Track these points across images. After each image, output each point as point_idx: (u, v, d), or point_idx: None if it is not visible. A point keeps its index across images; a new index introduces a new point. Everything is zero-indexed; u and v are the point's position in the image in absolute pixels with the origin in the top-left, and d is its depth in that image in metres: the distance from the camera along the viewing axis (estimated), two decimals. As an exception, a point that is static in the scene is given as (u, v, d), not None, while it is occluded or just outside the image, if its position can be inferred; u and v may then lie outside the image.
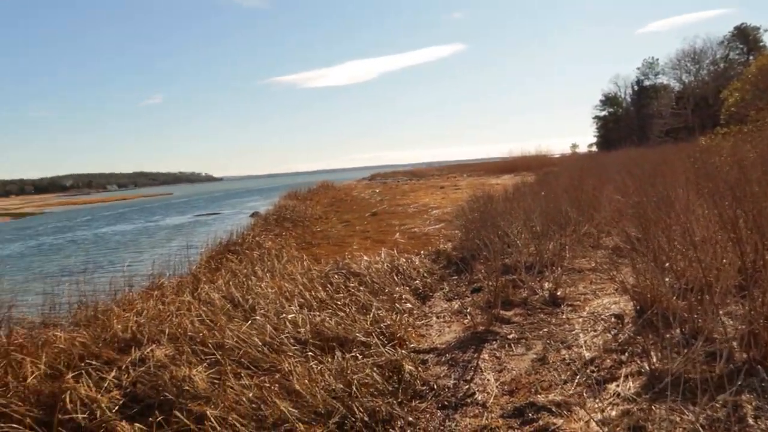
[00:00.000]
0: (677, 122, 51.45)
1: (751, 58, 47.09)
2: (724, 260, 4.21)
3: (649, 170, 8.66)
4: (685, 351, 3.73)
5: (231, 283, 8.05)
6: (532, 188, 13.29)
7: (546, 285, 6.70)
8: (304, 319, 5.97)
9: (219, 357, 4.97)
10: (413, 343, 5.67)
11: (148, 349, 5.07)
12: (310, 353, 5.08)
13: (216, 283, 8.28)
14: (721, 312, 4.03)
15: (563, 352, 4.74)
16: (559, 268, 6.84)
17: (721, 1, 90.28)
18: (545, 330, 5.38)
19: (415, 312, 6.78)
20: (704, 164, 7.03)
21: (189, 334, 5.55)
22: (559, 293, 6.40)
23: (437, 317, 6.58)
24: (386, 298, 7.07)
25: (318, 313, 6.29)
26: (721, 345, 3.86)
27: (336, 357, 4.97)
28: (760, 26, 51.75)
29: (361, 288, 7.57)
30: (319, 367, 4.70)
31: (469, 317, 6.10)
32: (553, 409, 3.72)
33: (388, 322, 5.93)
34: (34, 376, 4.49)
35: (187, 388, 4.26)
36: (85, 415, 3.95)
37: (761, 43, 50.52)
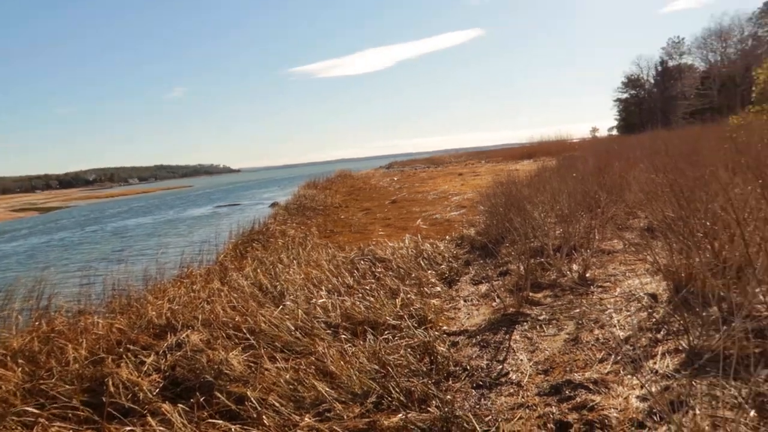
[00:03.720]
0: (702, 103, 50.37)
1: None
2: (763, 236, 4.13)
3: (683, 149, 8.51)
4: (725, 328, 3.68)
5: (258, 270, 8.16)
6: (556, 172, 13.16)
7: (575, 267, 6.65)
8: (334, 304, 6.03)
9: (253, 341, 5.04)
10: (443, 325, 5.69)
11: (184, 335, 5.16)
12: (342, 336, 5.13)
13: (243, 270, 8.40)
14: (760, 289, 3.96)
15: (596, 331, 4.71)
16: (588, 250, 6.77)
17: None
18: (577, 311, 5.34)
19: (443, 295, 6.79)
20: (741, 141, 6.87)
21: (222, 319, 5.64)
22: (588, 275, 6.35)
23: (465, 300, 6.57)
24: (413, 283, 7.09)
25: (347, 298, 6.34)
26: (761, 321, 3.81)
27: (368, 340, 5.01)
28: (791, 1, 50.28)
29: (388, 273, 7.61)
30: (352, 350, 4.75)
31: (498, 299, 6.08)
32: (591, 387, 3.70)
33: (418, 306, 5.95)
34: (76, 360, 4.60)
35: (225, 371, 4.34)
36: (128, 398, 4.05)
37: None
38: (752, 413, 2.88)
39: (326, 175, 38.34)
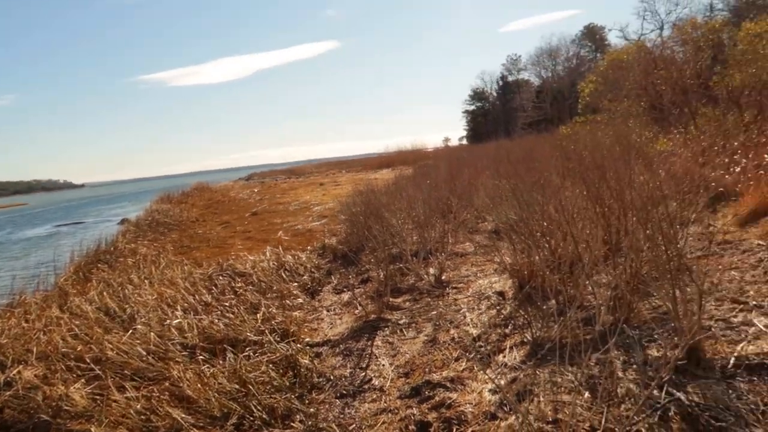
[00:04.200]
0: (538, 115, 55.48)
1: (598, 54, 51.68)
2: (589, 233, 4.61)
3: (521, 156, 9.29)
4: (561, 319, 4.03)
5: (105, 293, 7.50)
6: (412, 180, 13.67)
7: (431, 270, 6.93)
8: (190, 324, 5.71)
9: (99, 371, 4.61)
10: (306, 337, 5.62)
11: (14, 371, 4.59)
12: (200, 357, 4.87)
13: (87, 294, 7.67)
14: (590, 281, 4.40)
15: (452, 331, 4.94)
16: (443, 254, 7.10)
17: (572, 3, 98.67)
18: (434, 313, 5.57)
19: (305, 307, 6.73)
20: (568, 149, 7.65)
21: (62, 350, 5.10)
22: (444, 277, 6.66)
23: (328, 310, 6.57)
24: (275, 296, 6.95)
25: (204, 317, 6.04)
26: (590, 311, 4.23)
27: (228, 358, 4.81)
28: (605, 26, 57.38)
29: (249, 287, 7.39)
30: (211, 371, 4.52)
31: (360, 307, 6.15)
32: (448, 385, 3.86)
33: (280, 319, 5.83)
34: None
35: (65, 407, 3.91)
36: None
37: (606, 42, 55.70)
38: (586, 395, 3.18)
39: (182, 189, 36.33)
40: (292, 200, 23.19)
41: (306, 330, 5.87)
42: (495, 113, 67.61)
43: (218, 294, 7.27)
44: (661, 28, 42.46)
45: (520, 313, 4.79)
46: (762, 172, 6.60)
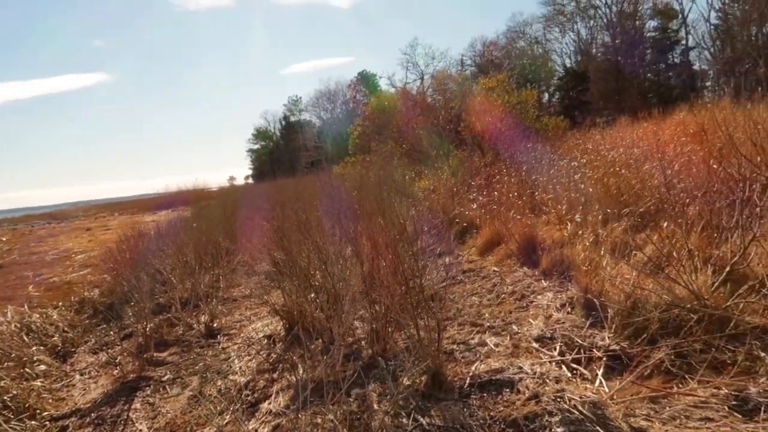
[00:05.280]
0: (319, 154, 57.54)
1: (372, 99, 55.68)
2: (349, 272, 4.82)
3: (292, 196, 9.45)
4: (324, 358, 4.11)
5: None
6: (188, 222, 13.03)
7: (202, 318, 6.61)
8: None
9: None
10: (51, 409, 4.90)
11: None
12: None
13: None
14: (347, 318, 4.58)
15: (219, 382, 4.72)
16: (215, 300, 6.83)
17: (346, 51, 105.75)
18: (201, 364, 5.28)
19: (53, 373, 5.89)
20: (332, 188, 8.00)
21: None
22: (216, 324, 6.39)
23: (82, 374, 5.83)
24: (13, 364, 5.95)
25: None
26: (353, 346, 4.40)
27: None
28: (376, 73, 62.21)
29: (-22, 359, 6.23)
30: None
31: (118, 367, 5.57)
32: (209, 444, 3.66)
33: (14, 392, 4.99)
34: None
35: None
36: None
37: (378, 87, 60.33)
38: (343, 432, 3.26)
39: None
40: (50, 248, 20.46)
41: (51, 401, 5.11)
42: (279, 152, 68.39)
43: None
44: (422, 78, 47.56)
45: (288, 356, 4.77)
46: (495, 206, 7.66)
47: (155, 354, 5.77)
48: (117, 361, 5.73)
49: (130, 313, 7.50)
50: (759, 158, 3.78)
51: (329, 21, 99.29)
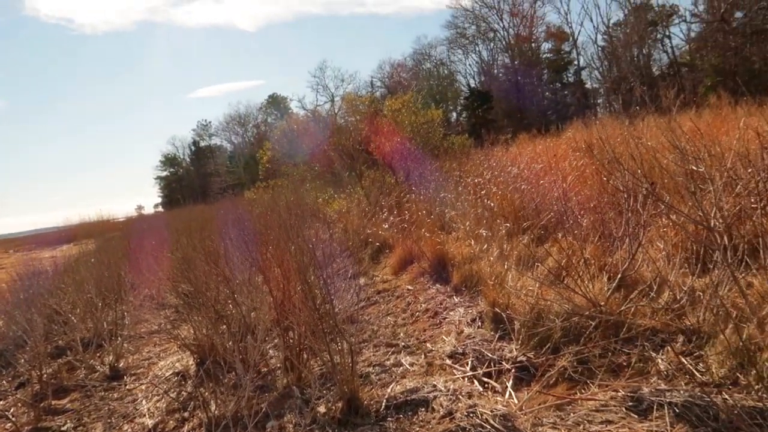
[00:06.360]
0: (232, 179, 56.25)
1: (283, 121, 55.43)
2: (259, 300, 4.72)
3: (199, 225, 9.15)
4: (236, 392, 3.98)
5: None
6: (91, 257, 12.29)
7: (107, 359, 6.21)
8: None
9: None
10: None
11: None
12: None
13: None
14: (262, 347, 4.46)
15: (126, 427, 4.45)
16: (119, 338, 6.45)
17: (256, 74, 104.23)
18: (106, 409, 4.95)
19: (-68, 435, 5.30)
20: (241, 214, 7.84)
21: None
22: (121, 364, 6.02)
23: (-32, 432, 5.30)
24: None
25: None
26: (267, 377, 4.28)
27: None
28: (287, 96, 61.92)
29: None
30: None
31: (11, 420, 5.11)
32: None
33: None
34: None
35: None
36: None
37: (290, 110, 60.09)
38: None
39: None
40: (-70, 294, 18.56)
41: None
42: (190, 178, 66.20)
43: None
44: (332, 101, 47.93)
45: (199, 392, 4.57)
46: (405, 226, 7.79)
47: (53, 402, 5.35)
48: (10, 413, 5.25)
49: (23, 360, 6.94)
50: (640, 171, 4.08)
51: (236, 44, 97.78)
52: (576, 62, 45.42)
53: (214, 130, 66.04)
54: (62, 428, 4.81)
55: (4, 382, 6.59)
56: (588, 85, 46.07)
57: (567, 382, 3.44)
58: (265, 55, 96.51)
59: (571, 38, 45.18)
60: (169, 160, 69.40)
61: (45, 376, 5.77)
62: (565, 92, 45.88)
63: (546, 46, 47.97)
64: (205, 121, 67.44)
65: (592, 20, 56.71)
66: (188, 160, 68.95)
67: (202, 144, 67.23)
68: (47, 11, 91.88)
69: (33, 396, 5.52)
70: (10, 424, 5.11)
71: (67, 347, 6.74)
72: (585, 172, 6.32)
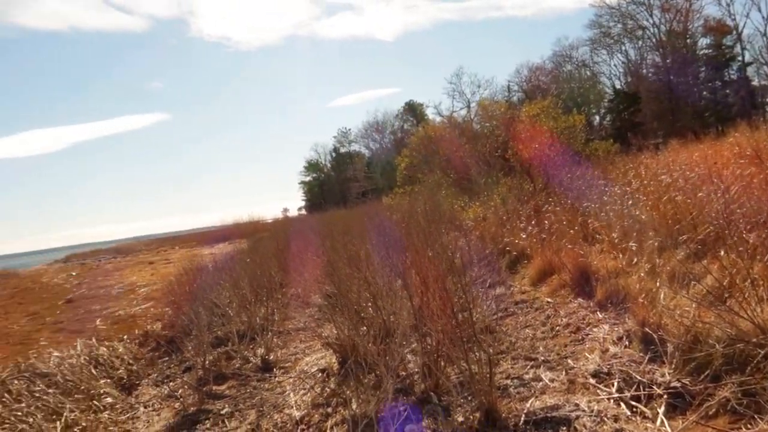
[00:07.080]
0: (370, 184, 58.12)
1: (420, 128, 56.25)
2: (399, 305, 4.86)
3: (342, 229, 9.61)
4: (377, 393, 4.13)
5: None
6: (244, 255, 13.39)
7: (259, 351, 6.75)
8: (-31, 444, 4.89)
9: None
10: (116, 442, 5.10)
11: None
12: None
13: None
14: (400, 351, 4.59)
15: (276, 416, 4.81)
16: (270, 333, 6.97)
17: (393, 82, 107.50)
18: (258, 398, 5.39)
19: (118, 406, 6.12)
20: (381, 220, 8.09)
21: None
22: (271, 357, 6.51)
23: (145, 407, 6.04)
24: (82, 397, 6.23)
25: (-11, 433, 5.22)
26: (405, 380, 4.41)
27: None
28: (423, 103, 62.72)
29: (50, 390, 6.54)
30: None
31: (179, 400, 5.75)
32: (266, 478, 3.71)
33: (84, 424, 5.22)
34: None
35: None
36: None
37: (426, 116, 60.80)
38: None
39: (-27, 278, 31.49)
40: (116, 282, 21.35)
41: (117, 433, 5.32)
42: (330, 183, 69.51)
43: (12, 401, 6.33)
44: (468, 107, 47.66)
45: (342, 390, 4.82)
46: (545, 236, 7.56)
47: (214, 387, 5.93)
48: (178, 394, 5.90)
49: (190, 347, 7.75)
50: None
51: (374, 53, 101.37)
52: (740, 57, 40.98)
53: (354, 136, 68.86)
54: (221, 412, 5.31)
55: (173, 366, 7.43)
56: (755, 83, 41.32)
57: (729, 414, 3.14)
58: (402, 64, 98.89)
59: (734, 31, 40.84)
60: (312, 166, 73.39)
61: (207, 363, 6.39)
62: (727, 91, 41.52)
63: (704, 41, 43.75)
64: (345, 128, 70.49)
65: (760, 10, 50.56)
66: (329, 165, 72.45)
67: (342, 150, 70.29)
68: (209, 31, 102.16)
69: (197, 380, 6.16)
70: (178, 404, 5.75)
71: (225, 338, 7.41)
72: (752, 182, 5.71)
